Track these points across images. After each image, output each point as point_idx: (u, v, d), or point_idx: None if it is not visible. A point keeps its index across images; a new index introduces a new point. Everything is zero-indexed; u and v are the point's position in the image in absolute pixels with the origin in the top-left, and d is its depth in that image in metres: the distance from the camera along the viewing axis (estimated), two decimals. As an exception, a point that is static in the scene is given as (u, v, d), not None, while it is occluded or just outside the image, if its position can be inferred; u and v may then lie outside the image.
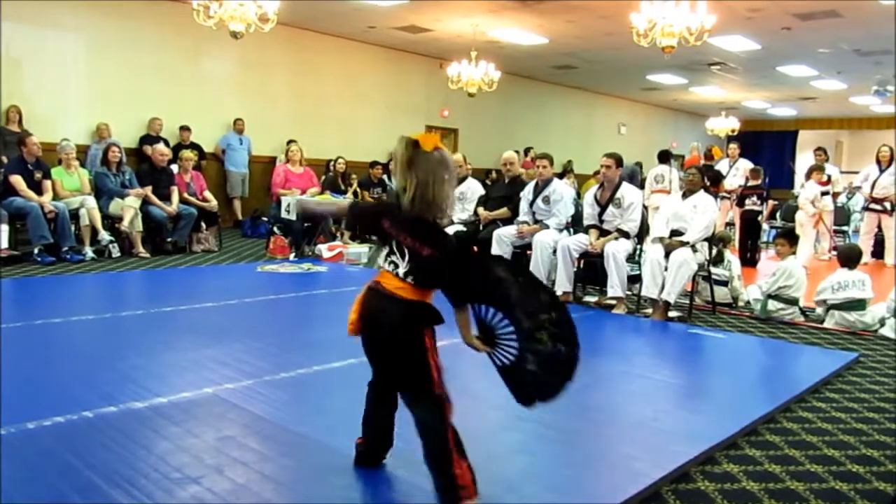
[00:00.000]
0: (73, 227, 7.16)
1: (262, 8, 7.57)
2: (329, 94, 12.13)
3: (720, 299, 5.92)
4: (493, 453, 2.70)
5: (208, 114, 10.59)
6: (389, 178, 10.51)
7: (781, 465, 2.72)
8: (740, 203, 9.72)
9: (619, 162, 5.90)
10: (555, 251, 5.91)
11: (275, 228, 8.04)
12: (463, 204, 7.00)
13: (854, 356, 4.40)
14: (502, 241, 6.17)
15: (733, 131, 17.74)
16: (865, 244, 9.05)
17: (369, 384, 2.41)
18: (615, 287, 5.54)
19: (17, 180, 6.97)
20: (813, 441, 2.98)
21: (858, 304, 5.33)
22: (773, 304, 5.55)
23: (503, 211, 6.54)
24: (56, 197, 7.21)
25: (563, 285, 5.81)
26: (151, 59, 9.87)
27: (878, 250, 9.52)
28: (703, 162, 11.12)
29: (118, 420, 2.81)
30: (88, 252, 7.16)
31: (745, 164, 10.50)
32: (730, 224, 10.24)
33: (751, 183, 9.89)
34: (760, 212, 9.63)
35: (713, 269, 5.85)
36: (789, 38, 10.77)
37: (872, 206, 9.34)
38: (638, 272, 5.70)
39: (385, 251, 2.27)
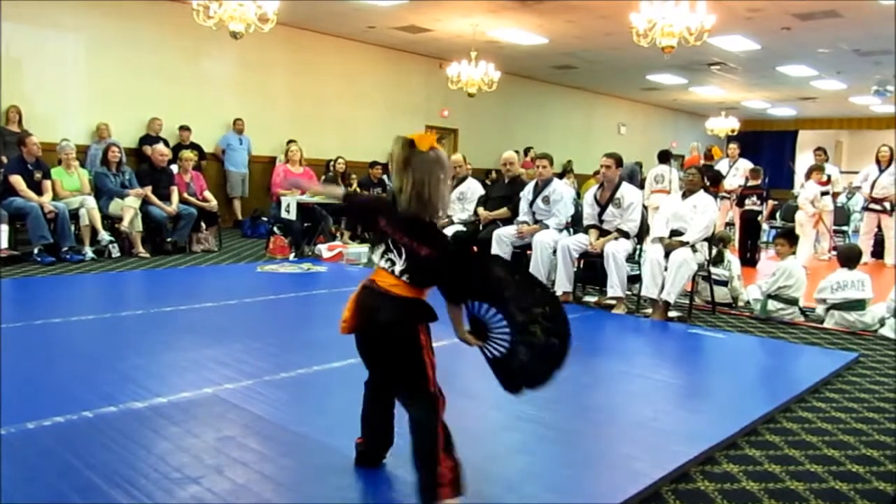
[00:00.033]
0: (72, 228, 7.16)
1: (262, 8, 7.57)
2: (329, 94, 12.13)
3: (720, 299, 5.92)
4: (493, 453, 2.71)
5: (208, 114, 10.59)
6: (389, 178, 10.51)
7: (781, 465, 2.72)
8: (740, 203, 9.73)
9: (618, 162, 5.90)
10: (555, 251, 5.91)
11: (275, 228, 8.04)
12: (463, 204, 7.00)
13: (854, 356, 4.40)
14: (502, 241, 6.17)
15: (733, 131, 17.74)
16: (865, 244, 9.05)
17: (365, 383, 2.42)
18: (615, 287, 5.54)
19: (17, 180, 6.97)
20: (813, 441, 2.99)
21: (858, 305, 5.33)
22: (772, 304, 5.55)
23: (503, 211, 6.55)
24: (56, 197, 7.21)
25: (562, 285, 5.81)
26: (151, 59, 9.87)
27: (878, 250, 9.53)
28: (702, 162, 11.12)
29: (118, 420, 2.81)
30: (88, 252, 7.16)
31: (745, 164, 10.50)
32: (730, 224, 10.24)
33: (750, 183, 9.89)
34: (760, 212, 9.63)
35: (713, 269, 5.86)
36: (789, 38, 10.77)
37: (872, 206, 9.35)
38: (638, 272, 5.70)
39: (381, 249, 2.27)
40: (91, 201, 7.39)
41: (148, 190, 7.76)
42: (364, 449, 2.47)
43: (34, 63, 8.81)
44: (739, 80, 14.89)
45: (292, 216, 7.91)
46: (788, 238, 5.98)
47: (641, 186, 10.16)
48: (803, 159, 17.60)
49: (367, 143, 12.13)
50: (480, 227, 6.63)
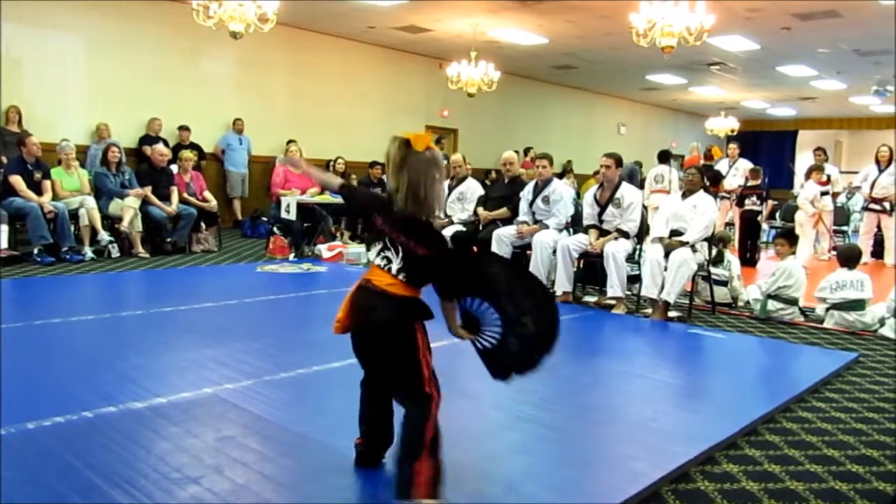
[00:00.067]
0: (72, 228, 7.15)
1: (262, 8, 7.57)
2: (328, 94, 12.13)
3: (720, 299, 5.92)
4: (493, 453, 2.71)
5: (208, 114, 10.58)
6: (389, 179, 10.51)
7: (781, 465, 2.72)
8: (740, 203, 9.73)
9: (618, 162, 5.90)
10: (554, 251, 5.91)
11: (274, 228, 8.04)
12: (463, 204, 7.00)
13: (854, 356, 4.40)
14: (502, 242, 6.17)
15: (733, 131, 17.75)
16: (865, 244, 9.05)
17: (361, 384, 2.42)
18: (615, 287, 5.54)
19: (17, 180, 6.97)
20: (813, 441, 2.99)
21: (857, 305, 5.33)
22: (772, 304, 5.55)
23: (503, 211, 6.55)
24: (56, 197, 7.21)
25: (562, 285, 5.81)
26: (151, 59, 9.86)
27: (878, 250, 9.53)
28: (702, 162, 11.11)
29: (118, 420, 2.81)
30: (88, 252, 7.16)
31: (745, 164, 10.50)
32: (729, 224, 10.24)
33: (750, 183, 9.90)
34: (760, 212, 9.63)
35: (713, 269, 5.86)
36: (789, 38, 10.77)
37: (872, 206, 9.35)
38: (637, 272, 5.70)
39: (377, 247, 2.29)
40: (91, 201, 7.39)
41: (148, 190, 7.76)
42: (363, 449, 2.47)
43: (34, 63, 8.81)
44: (739, 80, 14.89)
45: (292, 216, 7.91)
46: (788, 238, 5.98)
47: (641, 186, 10.16)
48: (803, 159, 17.60)
49: (366, 143, 12.12)
50: (480, 227, 6.63)
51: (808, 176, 9.32)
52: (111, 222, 7.62)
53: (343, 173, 10.56)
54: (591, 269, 6.02)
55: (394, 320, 2.23)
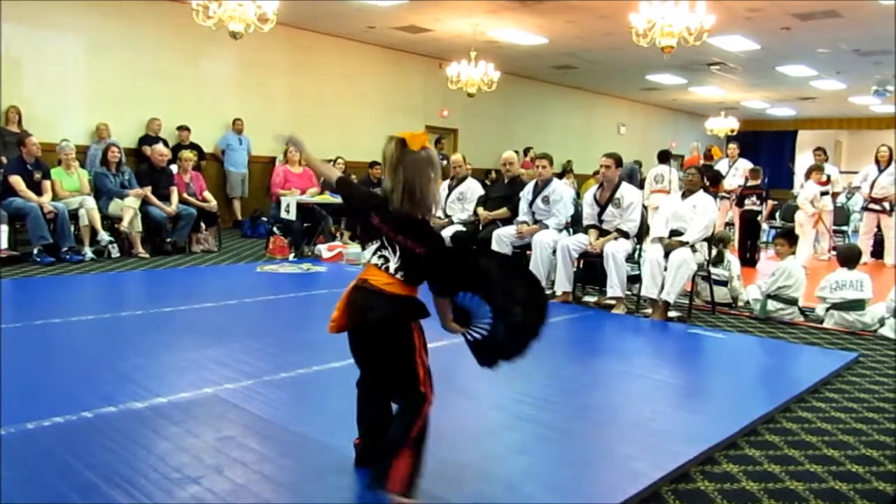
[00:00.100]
0: (72, 228, 7.16)
1: (262, 8, 7.57)
2: (328, 95, 12.13)
3: (720, 299, 5.92)
4: (493, 453, 2.71)
5: (207, 114, 10.58)
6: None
7: (781, 465, 2.72)
8: (740, 203, 9.73)
9: (618, 162, 5.90)
10: (554, 251, 5.91)
11: (274, 229, 8.04)
12: (462, 204, 6.99)
13: (853, 356, 4.40)
14: (502, 242, 6.17)
15: (732, 131, 17.74)
16: (865, 244, 9.05)
17: (357, 384, 2.42)
18: (615, 287, 5.54)
19: (17, 181, 6.97)
20: (812, 441, 2.99)
21: (857, 305, 5.33)
22: (772, 304, 5.55)
23: (503, 211, 6.55)
24: (55, 197, 7.21)
25: (562, 285, 5.81)
26: (151, 59, 9.86)
27: (878, 250, 9.53)
28: (702, 162, 11.12)
29: (118, 420, 2.81)
30: (88, 252, 7.16)
31: (745, 164, 10.50)
32: (729, 224, 10.24)
33: (750, 183, 9.90)
34: (760, 212, 9.63)
35: (713, 270, 5.86)
36: (789, 38, 10.77)
37: (871, 206, 9.35)
38: (637, 272, 5.70)
39: (374, 246, 2.29)
40: (90, 201, 7.39)
41: (147, 190, 7.76)
42: (363, 449, 2.47)
43: (34, 63, 8.81)
44: (739, 80, 14.89)
45: (292, 216, 7.91)
46: (788, 238, 5.98)
47: (641, 186, 10.16)
48: (803, 159, 17.61)
49: (366, 143, 12.10)
50: (480, 228, 6.63)
51: (807, 176, 9.33)
52: (111, 222, 7.62)
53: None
54: (590, 269, 6.02)
55: (391, 319, 2.24)
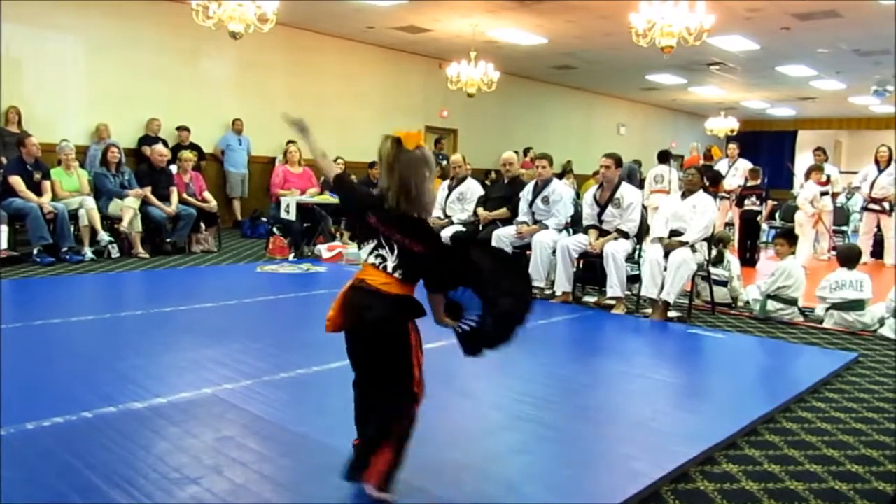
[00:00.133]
0: (72, 228, 7.15)
1: (261, 8, 7.57)
2: (328, 95, 12.13)
3: (719, 299, 5.92)
4: (493, 453, 2.71)
5: (207, 114, 10.58)
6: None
7: (781, 465, 2.72)
8: (739, 203, 9.73)
9: (618, 162, 5.90)
10: (554, 251, 5.91)
11: (274, 229, 8.04)
12: (462, 204, 6.99)
13: (853, 356, 4.40)
14: (501, 242, 6.17)
15: (732, 131, 17.74)
16: (864, 244, 9.05)
17: (354, 385, 2.42)
18: (614, 287, 5.54)
19: (17, 181, 6.97)
20: (812, 441, 2.99)
21: (857, 305, 5.33)
22: (772, 305, 5.55)
23: (502, 211, 6.54)
24: (55, 197, 7.21)
25: (562, 285, 5.82)
26: (151, 59, 9.86)
27: (878, 250, 9.53)
28: (702, 162, 11.12)
29: (117, 420, 2.81)
30: (88, 253, 7.16)
31: (745, 164, 10.51)
32: (729, 224, 10.24)
33: (750, 183, 9.90)
34: (760, 212, 9.63)
35: (713, 270, 5.86)
36: (788, 38, 10.77)
37: (871, 206, 9.35)
38: (637, 272, 5.70)
39: (370, 245, 2.30)
40: (90, 202, 7.39)
41: (147, 190, 7.76)
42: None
43: (34, 64, 8.81)
44: (739, 80, 14.89)
45: (292, 216, 7.91)
46: (788, 238, 5.98)
47: (641, 185, 10.15)
48: (802, 159, 17.61)
49: (366, 143, 12.10)
50: (480, 228, 6.63)
51: (807, 176, 9.33)
52: (111, 223, 7.61)
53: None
54: (590, 270, 6.02)
55: (388, 319, 2.25)
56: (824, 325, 5.41)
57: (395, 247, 2.24)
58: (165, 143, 9.20)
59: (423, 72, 13.56)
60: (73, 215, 7.20)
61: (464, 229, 6.71)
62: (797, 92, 16.20)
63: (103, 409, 2.90)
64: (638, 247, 5.90)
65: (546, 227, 6.10)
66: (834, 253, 8.05)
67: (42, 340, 4.03)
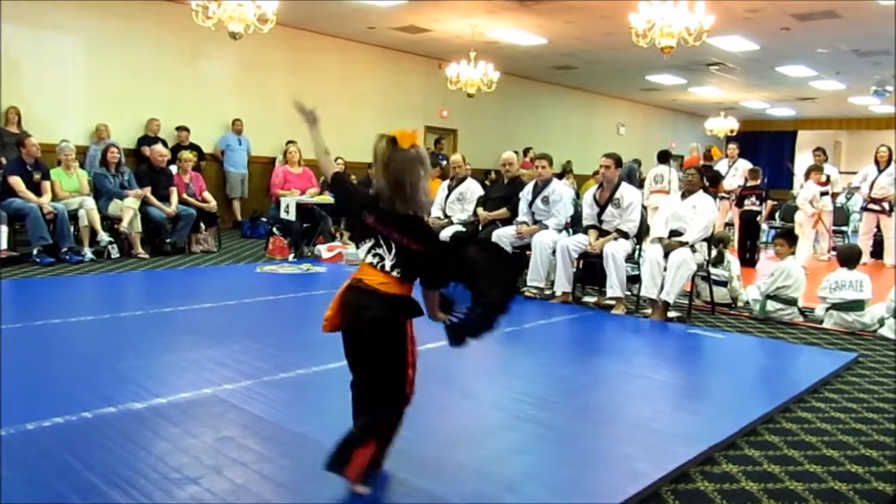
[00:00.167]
0: (72, 228, 7.15)
1: (261, 8, 7.57)
2: (328, 95, 12.12)
3: (719, 299, 5.92)
4: (493, 453, 2.71)
5: (207, 114, 10.58)
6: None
7: (780, 466, 2.72)
8: (739, 203, 9.73)
9: (618, 162, 5.90)
10: (554, 251, 5.91)
11: (274, 229, 8.04)
12: (462, 204, 6.99)
13: (853, 356, 4.40)
14: (501, 242, 6.16)
15: (732, 131, 17.75)
16: (864, 244, 9.05)
17: (351, 385, 2.43)
18: (614, 287, 5.54)
19: (16, 181, 6.97)
20: (812, 441, 2.99)
21: (857, 305, 5.33)
22: (771, 305, 5.55)
23: (502, 211, 6.54)
24: (55, 198, 7.21)
25: (562, 286, 5.81)
26: (150, 59, 9.86)
27: (877, 250, 9.53)
28: (701, 162, 11.12)
29: (117, 421, 2.81)
30: (87, 253, 7.15)
31: (744, 165, 10.51)
32: (729, 224, 10.25)
33: (750, 183, 9.90)
34: (759, 212, 9.63)
35: (713, 270, 5.86)
36: (788, 38, 10.78)
37: (871, 206, 9.35)
38: (637, 272, 5.71)
39: (368, 245, 2.30)
40: (90, 202, 7.38)
41: (147, 191, 7.76)
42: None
43: (33, 64, 8.81)
44: (738, 81, 14.90)
45: (291, 217, 7.91)
46: (787, 238, 5.98)
47: (640, 185, 10.15)
48: (802, 159, 17.60)
49: (366, 143, 11.88)
50: (480, 228, 6.63)
51: (807, 176, 9.33)
52: (111, 223, 7.61)
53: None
54: (590, 270, 6.02)
55: (386, 319, 2.25)
56: (824, 325, 5.41)
57: (393, 245, 2.25)
58: (165, 144, 9.20)
59: (423, 72, 13.56)
60: (73, 216, 7.20)
61: (463, 229, 6.71)
62: (797, 92, 16.21)
63: (103, 410, 2.90)
64: (638, 247, 5.91)
65: (546, 227, 6.10)
66: (834, 253, 8.06)
67: (42, 341, 4.03)
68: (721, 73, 14.10)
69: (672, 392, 3.71)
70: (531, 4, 9.52)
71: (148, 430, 2.72)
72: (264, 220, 9.77)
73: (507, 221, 6.45)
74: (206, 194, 8.61)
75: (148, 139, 9.45)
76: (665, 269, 5.33)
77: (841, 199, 10.89)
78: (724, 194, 10.09)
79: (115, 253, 7.36)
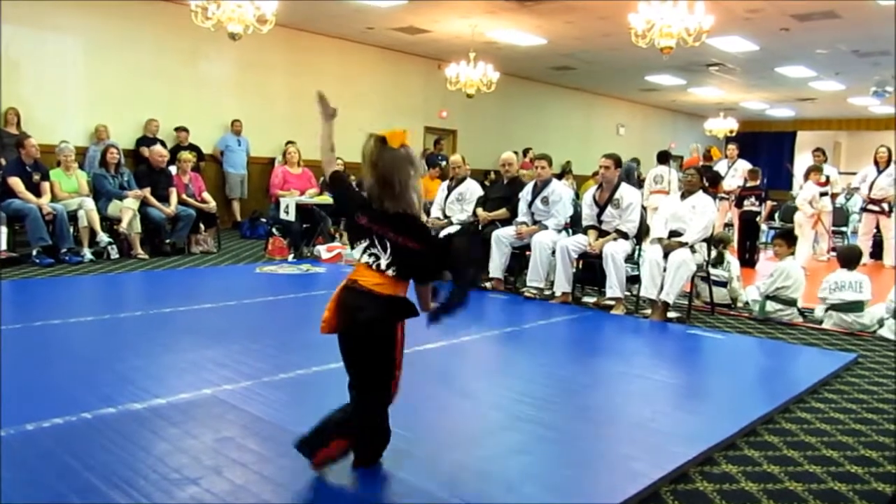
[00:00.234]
0: (71, 229, 7.15)
1: (261, 9, 7.57)
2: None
3: (719, 300, 5.92)
4: (493, 453, 2.71)
5: (206, 115, 10.58)
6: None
7: (780, 466, 2.72)
8: (739, 204, 9.74)
9: (617, 162, 5.90)
10: (554, 252, 5.91)
11: (273, 230, 8.04)
12: (462, 205, 6.99)
13: (852, 357, 4.40)
14: (501, 242, 6.17)
15: (732, 132, 17.75)
16: (864, 245, 9.05)
17: (349, 386, 2.43)
18: (614, 288, 5.55)
19: (16, 182, 6.97)
20: (811, 442, 2.99)
21: (856, 306, 5.34)
22: (771, 305, 5.55)
23: (502, 212, 6.55)
24: (54, 199, 7.20)
25: (561, 286, 5.81)
26: (150, 60, 9.86)
27: (877, 251, 9.54)
28: (701, 163, 11.13)
29: (117, 421, 2.81)
30: (87, 254, 7.15)
31: (744, 165, 10.52)
32: (728, 225, 10.25)
33: (749, 184, 9.91)
34: (759, 212, 9.64)
35: (712, 270, 5.86)
36: (787, 38, 10.78)
37: (870, 206, 9.36)
38: (637, 273, 5.71)
39: (362, 245, 2.31)
40: (90, 203, 7.38)
41: (146, 191, 7.75)
42: (361, 450, 2.47)
43: (33, 65, 8.80)
44: (738, 81, 14.90)
45: (291, 217, 7.91)
46: (787, 239, 5.99)
47: (639, 184, 10.15)
48: (802, 160, 17.59)
49: (365, 144, 12.09)
50: (479, 228, 6.63)
51: (806, 177, 9.33)
52: (110, 223, 7.61)
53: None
54: (590, 270, 6.02)
55: (380, 320, 2.26)
56: (823, 325, 5.41)
57: (389, 244, 2.26)
58: (164, 144, 9.20)
59: (423, 72, 13.56)
60: (73, 216, 7.20)
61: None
62: (796, 93, 16.21)
63: (103, 410, 2.90)
64: (637, 247, 5.91)
65: (545, 227, 6.10)
66: (833, 254, 8.06)
67: (41, 341, 4.03)
68: (720, 74, 14.10)
69: (672, 392, 3.71)
70: (531, 5, 9.52)
71: (147, 431, 2.72)
72: (264, 220, 9.77)
73: (506, 222, 6.45)
74: (206, 195, 8.61)
75: (147, 140, 9.45)
76: (665, 270, 5.33)
77: (840, 200, 10.89)
78: (723, 195, 10.09)
79: (114, 254, 7.36)
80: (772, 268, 5.80)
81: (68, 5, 8.97)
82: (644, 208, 6.85)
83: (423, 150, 13.51)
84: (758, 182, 9.94)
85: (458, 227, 6.75)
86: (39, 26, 8.79)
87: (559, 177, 10.72)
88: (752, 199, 9.54)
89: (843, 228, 10.66)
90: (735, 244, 9.12)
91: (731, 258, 6.32)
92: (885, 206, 9.13)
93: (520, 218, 6.30)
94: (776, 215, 10.92)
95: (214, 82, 10.71)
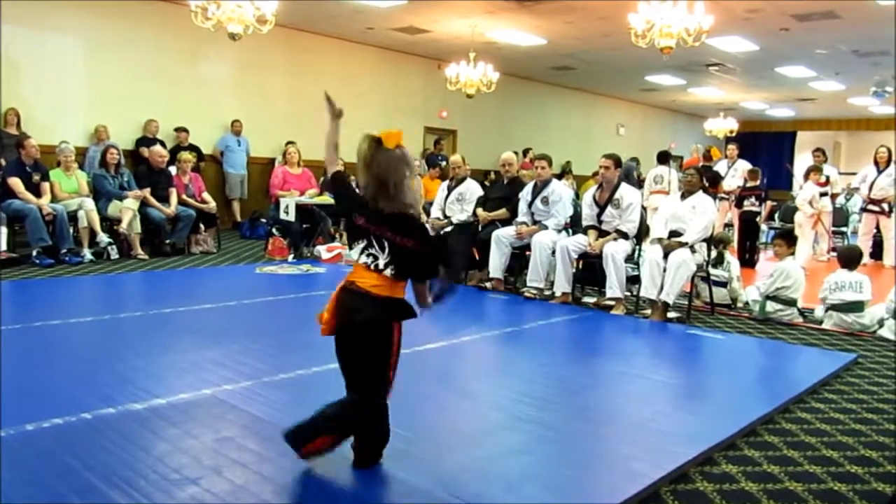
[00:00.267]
0: (71, 229, 7.15)
1: (261, 9, 7.56)
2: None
3: (719, 300, 5.92)
4: (493, 453, 2.71)
5: (206, 115, 10.58)
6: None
7: (780, 466, 2.72)
8: (739, 204, 9.74)
9: (617, 163, 5.90)
10: (554, 252, 5.91)
11: (273, 230, 8.04)
12: (462, 205, 6.99)
13: (852, 357, 4.40)
14: (501, 242, 6.17)
15: (732, 132, 17.75)
16: (864, 245, 9.05)
17: (347, 388, 2.43)
18: (614, 288, 5.55)
19: (16, 182, 6.97)
20: (811, 442, 2.99)
21: (856, 306, 5.34)
22: (771, 305, 5.55)
23: (502, 212, 6.54)
24: (54, 199, 7.20)
25: (561, 286, 5.81)
26: (150, 60, 9.86)
27: (877, 251, 9.54)
28: (701, 163, 11.13)
29: (117, 421, 2.81)
30: (87, 254, 7.15)
31: (744, 165, 10.52)
32: (728, 225, 10.25)
33: (749, 184, 9.91)
34: (759, 213, 9.64)
35: (712, 271, 5.86)
36: (787, 38, 10.78)
37: (870, 207, 9.36)
38: (637, 273, 5.71)
39: (360, 246, 2.31)
40: (90, 203, 7.38)
41: (146, 191, 7.75)
42: (361, 451, 2.47)
43: (33, 65, 8.80)
44: (738, 81, 14.90)
45: (291, 217, 7.91)
46: (787, 239, 5.99)
47: (639, 184, 10.14)
48: (802, 160, 17.60)
49: (365, 144, 12.09)
50: (479, 228, 6.63)
51: (806, 177, 9.34)
52: (110, 224, 7.61)
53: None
54: (590, 270, 6.02)
55: (377, 321, 2.26)
56: (823, 325, 5.41)
57: (387, 244, 2.26)
58: (164, 144, 9.20)
59: (423, 73, 13.56)
60: (73, 217, 7.20)
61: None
62: (796, 93, 16.21)
63: (103, 411, 2.90)
64: (637, 247, 5.91)
65: (545, 227, 6.10)
66: (833, 254, 8.06)
67: (41, 342, 4.03)
68: (720, 74, 14.10)
69: (671, 392, 3.71)
70: (530, 5, 9.52)
71: (147, 431, 2.72)
72: (264, 220, 9.77)
73: (506, 222, 6.45)
74: (206, 195, 8.61)
75: (147, 140, 9.45)
76: (665, 270, 5.33)
77: (840, 200, 10.90)
78: (723, 195, 10.09)
79: (114, 254, 7.35)
80: (772, 268, 5.80)
81: (68, 5, 8.97)
82: (644, 208, 6.85)
83: (423, 151, 13.52)
84: (758, 182, 9.94)
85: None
86: (39, 26, 8.79)
87: (559, 177, 10.72)
88: (752, 200, 9.54)
89: (843, 228, 10.66)
90: (735, 244, 9.12)
91: (731, 258, 6.32)
92: (885, 206, 9.13)
93: (520, 218, 6.30)
94: (776, 215, 10.92)
95: (214, 82, 10.71)
